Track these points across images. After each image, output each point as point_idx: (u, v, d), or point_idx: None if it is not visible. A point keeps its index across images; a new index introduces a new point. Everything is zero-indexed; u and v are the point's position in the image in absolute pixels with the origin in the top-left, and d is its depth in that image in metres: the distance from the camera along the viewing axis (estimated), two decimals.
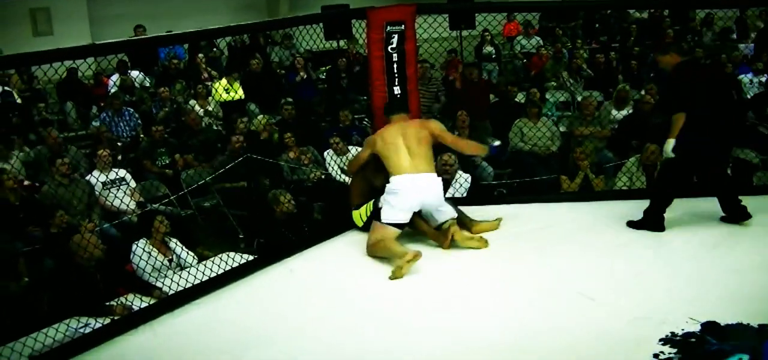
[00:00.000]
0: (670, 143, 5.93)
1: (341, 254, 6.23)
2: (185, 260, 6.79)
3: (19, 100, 11.21)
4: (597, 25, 15.68)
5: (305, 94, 11.72)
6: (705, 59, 12.60)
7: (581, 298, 4.97)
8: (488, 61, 13.96)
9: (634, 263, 5.51)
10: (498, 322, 4.76)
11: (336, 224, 6.71)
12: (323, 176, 9.09)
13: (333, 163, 9.10)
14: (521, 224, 6.52)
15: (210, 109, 11.01)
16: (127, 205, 8.10)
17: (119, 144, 10.00)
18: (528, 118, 9.67)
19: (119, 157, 9.44)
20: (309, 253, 6.33)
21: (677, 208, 6.17)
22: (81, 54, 5.37)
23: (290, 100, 10.61)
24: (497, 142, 8.52)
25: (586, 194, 8.03)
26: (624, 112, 10.03)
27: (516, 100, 10.96)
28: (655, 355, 4.14)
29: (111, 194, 8.10)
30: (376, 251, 6.04)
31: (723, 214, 6.16)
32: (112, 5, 15.56)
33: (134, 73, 12.11)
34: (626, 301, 4.88)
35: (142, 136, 10.27)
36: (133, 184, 8.53)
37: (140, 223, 7.52)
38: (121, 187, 8.34)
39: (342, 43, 12.32)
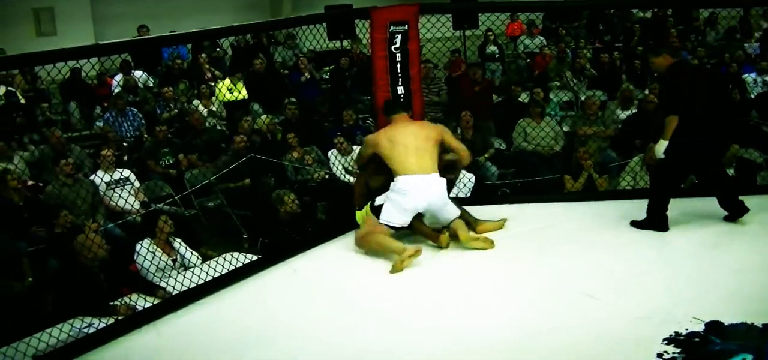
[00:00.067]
0: (662, 144, 5.94)
1: (344, 254, 6.24)
2: (189, 260, 6.80)
3: (22, 100, 11.22)
4: (601, 27, 15.65)
5: (308, 94, 11.71)
6: (708, 59, 12.61)
7: (582, 298, 4.97)
8: (491, 61, 13.93)
9: (636, 263, 5.52)
10: (498, 322, 4.76)
11: (340, 224, 6.71)
12: (327, 176, 9.09)
13: (337, 163, 9.10)
14: (524, 224, 6.52)
15: (213, 109, 11.01)
16: (132, 205, 8.11)
17: (125, 144, 10.00)
18: (531, 117, 9.67)
19: (125, 158, 9.44)
20: (312, 253, 6.34)
21: (678, 208, 6.18)
22: (84, 54, 5.38)
23: (293, 100, 10.61)
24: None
25: (589, 194, 8.04)
26: (627, 112, 10.02)
27: (519, 100, 10.95)
28: (659, 355, 4.14)
29: (115, 194, 8.10)
30: (364, 244, 6.10)
31: (726, 214, 6.16)
32: (115, 5, 15.58)
33: (137, 73, 12.10)
34: (627, 300, 4.89)
35: (145, 136, 10.27)
36: (137, 184, 8.53)
37: (144, 223, 7.53)
38: (125, 187, 8.33)
39: (345, 43, 12.32)
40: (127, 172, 8.54)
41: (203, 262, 6.57)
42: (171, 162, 9.44)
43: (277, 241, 7.02)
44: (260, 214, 7.80)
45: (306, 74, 12.27)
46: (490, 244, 6.05)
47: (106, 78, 12.01)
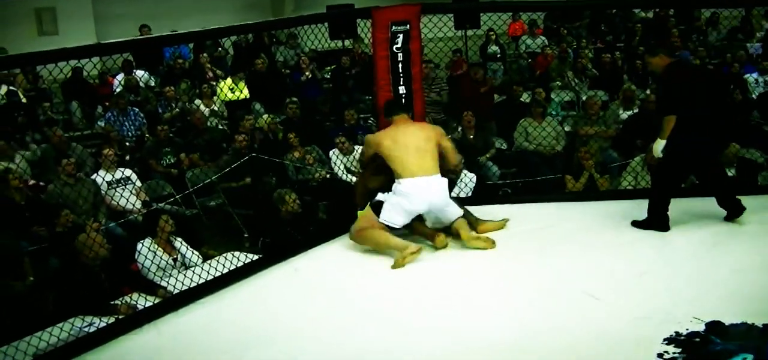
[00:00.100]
0: (660, 144, 5.95)
1: (345, 254, 6.25)
2: (190, 260, 6.80)
3: (24, 100, 11.22)
4: (602, 27, 15.64)
5: (310, 94, 11.71)
6: (710, 59, 12.60)
7: (582, 298, 4.97)
8: (493, 61, 13.93)
9: (636, 263, 5.52)
10: (498, 322, 4.77)
11: (341, 224, 6.71)
12: (328, 176, 9.09)
13: (338, 163, 9.10)
14: (525, 224, 6.53)
15: (215, 108, 11.01)
16: (133, 205, 8.11)
17: (127, 144, 10.01)
18: (533, 117, 9.66)
19: (127, 157, 9.44)
20: (313, 253, 6.35)
21: (678, 207, 6.18)
22: (86, 53, 5.38)
23: (295, 99, 10.61)
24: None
25: (590, 194, 8.03)
26: (629, 112, 10.02)
27: (521, 99, 10.95)
28: (660, 355, 4.14)
29: (116, 193, 8.10)
30: (360, 239, 6.15)
31: (726, 214, 6.16)
32: (116, 5, 15.59)
33: (139, 73, 12.10)
34: (627, 300, 4.89)
35: (147, 135, 10.27)
36: (138, 183, 8.53)
37: (145, 223, 7.54)
38: (127, 186, 8.34)
39: (347, 42, 12.31)
40: (128, 172, 8.54)
41: (204, 261, 6.57)
42: (172, 161, 9.44)
43: (278, 240, 7.02)
44: (261, 213, 7.80)
45: (307, 73, 12.26)
46: (492, 244, 6.05)
47: (108, 77, 12.01)
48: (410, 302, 5.18)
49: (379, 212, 6.11)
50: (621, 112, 10.13)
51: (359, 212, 6.50)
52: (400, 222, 6.09)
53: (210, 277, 5.74)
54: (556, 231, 6.36)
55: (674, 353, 4.15)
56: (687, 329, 4.37)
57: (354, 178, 8.11)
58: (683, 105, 5.86)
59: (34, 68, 11.47)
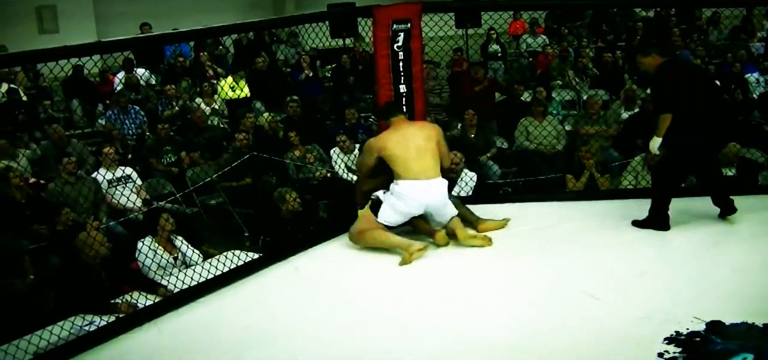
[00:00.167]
0: (656, 141, 5.95)
1: (346, 253, 6.24)
2: (191, 258, 6.80)
3: (25, 98, 11.23)
4: (603, 26, 15.64)
5: (311, 92, 11.72)
6: (711, 59, 12.60)
7: (582, 298, 4.97)
8: (494, 60, 13.94)
9: (637, 262, 5.51)
10: (499, 322, 4.76)
11: (341, 222, 6.71)
12: (329, 174, 9.09)
13: (339, 161, 9.11)
14: (525, 223, 6.52)
15: (216, 106, 11.02)
16: (133, 203, 8.11)
17: (130, 142, 10.01)
18: (533, 117, 9.66)
19: (129, 156, 9.45)
20: (314, 252, 6.34)
21: (678, 207, 6.17)
22: (87, 52, 5.37)
23: (296, 97, 10.62)
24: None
25: (591, 193, 8.02)
26: (630, 111, 10.01)
27: (522, 98, 10.95)
28: (660, 355, 4.14)
29: (117, 192, 8.10)
30: (360, 240, 6.15)
31: (719, 211, 6.16)
32: (117, 3, 15.59)
33: (140, 71, 12.12)
34: (627, 300, 4.88)
35: (147, 133, 10.28)
36: (139, 181, 8.53)
37: (146, 221, 7.54)
38: (127, 184, 8.34)
39: (348, 41, 12.32)
40: (129, 170, 8.55)
41: (204, 260, 6.57)
42: (173, 160, 9.45)
43: (279, 239, 7.02)
44: (262, 212, 7.80)
45: (308, 71, 12.26)
46: (489, 241, 6.06)
47: (109, 75, 12.02)
48: (410, 302, 5.18)
49: (377, 213, 6.11)
50: (622, 111, 10.12)
51: (359, 211, 6.50)
52: (397, 221, 6.10)
53: (210, 276, 5.73)
54: (556, 230, 6.35)
55: (675, 353, 4.14)
56: (687, 329, 4.37)
57: (355, 177, 8.11)
58: (680, 104, 5.85)
59: (35, 66, 11.51)
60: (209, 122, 10.45)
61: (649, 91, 10.00)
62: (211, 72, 12.20)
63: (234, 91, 11.61)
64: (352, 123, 10.20)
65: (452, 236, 6.12)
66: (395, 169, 6.11)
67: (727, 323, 4.40)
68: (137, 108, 10.77)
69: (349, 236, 6.29)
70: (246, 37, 13.59)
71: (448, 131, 8.78)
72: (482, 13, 10.84)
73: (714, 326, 4.38)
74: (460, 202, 6.66)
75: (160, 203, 8.22)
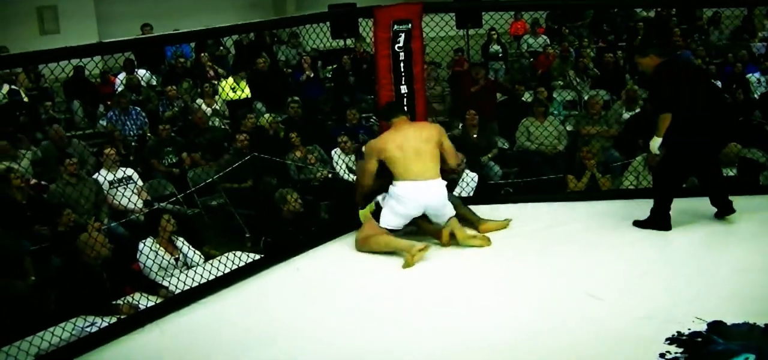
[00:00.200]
0: (656, 141, 5.95)
1: (347, 253, 6.24)
2: (192, 259, 6.79)
3: (25, 99, 11.23)
4: (604, 26, 15.64)
5: (312, 93, 11.72)
6: (712, 59, 12.60)
7: (584, 298, 4.96)
8: (495, 60, 13.94)
9: (638, 263, 5.51)
10: (499, 322, 4.76)
11: (343, 223, 6.71)
12: (330, 175, 9.09)
13: (340, 162, 9.10)
14: (526, 223, 6.52)
15: (217, 107, 11.02)
16: (135, 204, 8.11)
17: (131, 143, 10.02)
18: (535, 117, 9.67)
19: (131, 157, 9.45)
20: (315, 252, 6.34)
21: (679, 207, 6.16)
22: (88, 52, 5.36)
23: (297, 98, 10.62)
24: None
25: (592, 193, 8.03)
26: (632, 112, 10.01)
27: (523, 99, 10.95)
28: (661, 355, 4.13)
29: (118, 193, 8.11)
30: (365, 246, 6.14)
31: (716, 211, 6.15)
32: (118, 4, 15.58)
33: (141, 72, 12.12)
34: (628, 300, 4.88)
35: (148, 134, 10.28)
36: (140, 182, 8.53)
37: (147, 222, 7.53)
38: (129, 185, 8.34)
39: (349, 41, 12.32)
40: (130, 171, 8.55)
41: (206, 261, 6.56)
42: (174, 161, 9.45)
43: (280, 240, 7.01)
44: (263, 213, 7.80)
45: (309, 73, 12.26)
46: (488, 242, 6.06)
47: (110, 76, 12.01)
48: (411, 302, 5.18)
49: (379, 219, 6.12)
50: (623, 111, 10.12)
51: (361, 211, 6.50)
52: (397, 224, 6.10)
53: (212, 277, 5.73)
54: (557, 231, 6.35)
55: (676, 353, 4.14)
56: (689, 329, 4.36)
57: (355, 178, 8.10)
58: (680, 104, 5.84)
59: (36, 67, 11.48)
60: (210, 123, 10.45)
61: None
62: (212, 73, 12.19)
63: (235, 91, 11.61)
64: (353, 124, 10.20)
65: (451, 236, 6.12)
66: (395, 171, 6.11)
67: (728, 323, 4.39)
68: (138, 109, 10.78)
69: (356, 245, 6.27)
70: (247, 37, 13.59)
71: (449, 132, 8.78)
72: (483, 13, 10.82)
73: (715, 326, 4.38)
74: (461, 202, 6.66)
75: (162, 204, 8.23)
